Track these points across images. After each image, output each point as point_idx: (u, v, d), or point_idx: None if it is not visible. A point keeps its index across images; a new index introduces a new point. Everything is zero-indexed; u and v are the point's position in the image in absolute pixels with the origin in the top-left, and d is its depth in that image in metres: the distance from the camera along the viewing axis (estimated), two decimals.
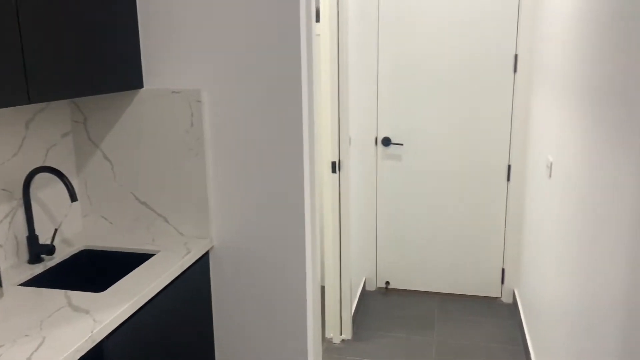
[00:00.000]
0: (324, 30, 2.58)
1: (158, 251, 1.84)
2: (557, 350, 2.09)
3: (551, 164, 2.31)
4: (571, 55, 2.04)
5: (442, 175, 3.35)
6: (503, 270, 3.41)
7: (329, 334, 2.97)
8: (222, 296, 2.01)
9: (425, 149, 3.34)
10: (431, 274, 3.52)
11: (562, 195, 2.09)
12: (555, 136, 2.28)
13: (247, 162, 1.89)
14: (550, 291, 2.26)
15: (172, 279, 1.69)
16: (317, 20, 3.08)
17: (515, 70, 3.12)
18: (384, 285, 3.63)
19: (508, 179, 3.27)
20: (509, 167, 3.25)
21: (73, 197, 1.66)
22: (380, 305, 3.40)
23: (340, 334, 2.97)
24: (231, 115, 1.86)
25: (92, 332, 1.29)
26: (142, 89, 1.90)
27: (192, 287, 1.86)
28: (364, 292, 3.57)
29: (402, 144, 3.36)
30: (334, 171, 2.73)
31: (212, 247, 1.99)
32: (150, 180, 1.96)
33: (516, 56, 3.10)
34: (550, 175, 2.32)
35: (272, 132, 1.84)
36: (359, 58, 3.15)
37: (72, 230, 2.01)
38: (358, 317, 3.25)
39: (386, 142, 3.38)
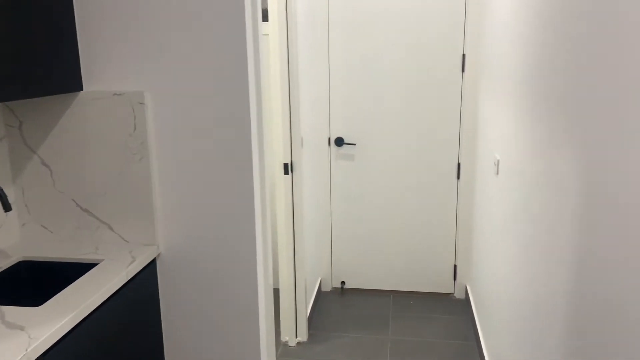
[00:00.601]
0: (272, 30, 2.56)
1: (101, 260, 1.78)
2: (507, 345, 2.15)
3: (498, 161, 2.37)
4: (514, 55, 2.09)
5: (395, 174, 3.39)
6: (455, 266, 3.48)
7: (285, 337, 2.96)
8: (171, 304, 1.96)
9: (378, 149, 3.37)
10: (386, 272, 3.56)
11: (508, 193, 2.15)
12: (501, 135, 2.34)
13: (194, 166, 1.84)
14: (499, 287, 2.32)
15: (116, 289, 1.63)
16: (265, 19, 3.06)
17: (463, 70, 3.19)
18: (339, 286, 3.64)
19: (458, 177, 3.34)
20: (459, 165, 3.32)
21: (7, 207, 1.58)
22: (336, 306, 3.41)
23: (296, 337, 2.96)
24: (176, 118, 1.82)
25: (26, 350, 1.23)
26: (81, 92, 1.83)
27: (139, 296, 1.80)
28: (319, 292, 3.57)
29: (354, 144, 3.37)
30: (286, 172, 2.71)
31: (159, 254, 1.94)
32: (92, 186, 1.89)
33: (464, 56, 3.17)
34: (497, 173, 2.39)
35: (219, 135, 1.81)
36: (310, 58, 3.15)
37: (9, 240, 1.91)
38: (314, 319, 3.24)
39: (339, 142, 3.39)
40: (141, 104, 1.80)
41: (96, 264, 1.77)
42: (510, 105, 2.16)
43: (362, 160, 3.41)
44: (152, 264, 1.91)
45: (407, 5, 3.17)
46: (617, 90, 1.09)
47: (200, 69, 1.77)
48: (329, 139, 3.42)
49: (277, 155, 2.72)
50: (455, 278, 3.50)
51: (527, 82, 1.86)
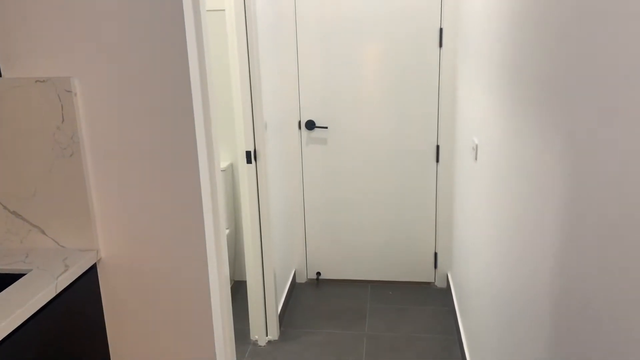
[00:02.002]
0: (228, 4, 2.35)
1: (30, 270, 1.59)
2: (487, 338, 2.02)
3: (477, 146, 2.21)
4: (494, 31, 1.92)
5: (370, 157, 3.23)
6: (435, 254, 3.35)
7: (254, 336, 2.81)
8: (117, 312, 1.79)
9: (352, 131, 3.20)
10: (363, 261, 3.42)
11: (487, 180, 2.00)
12: (480, 118, 2.18)
13: (134, 160, 1.66)
14: (479, 276, 2.19)
15: (44, 303, 1.45)
16: None
17: (440, 45, 3.01)
18: (315, 277, 3.50)
19: (437, 160, 3.19)
20: (438, 147, 3.17)
21: None
22: (311, 299, 3.27)
23: (266, 335, 2.82)
24: (110, 107, 1.62)
25: None
26: None
27: (76, 307, 1.63)
28: (294, 284, 3.43)
29: (326, 127, 3.20)
30: (249, 161, 2.53)
31: (99, 259, 1.76)
32: (20, 185, 1.69)
33: (441, 30, 2.99)
34: (475, 158, 2.23)
35: (160, 125, 1.62)
36: (274, 36, 2.94)
37: None
38: (286, 314, 3.10)
39: (310, 125, 3.21)
40: (68, 91, 1.60)
41: (23, 275, 1.59)
42: (489, 87, 2.00)
43: (335, 144, 3.24)
44: (92, 270, 1.73)
45: None
46: (613, 74, 0.92)
47: (134, 51, 1.57)
48: (300, 123, 3.23)
49: (239, 143, 2.53)
50: (436, 266, 3.37)
51: (510, 64, 1.70)
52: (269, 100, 2.76)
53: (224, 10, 2.94)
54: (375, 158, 3.22)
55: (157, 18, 1.54)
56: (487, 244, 2.00)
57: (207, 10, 3.01)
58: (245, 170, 2.55)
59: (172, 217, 1.70)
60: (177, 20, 1.53)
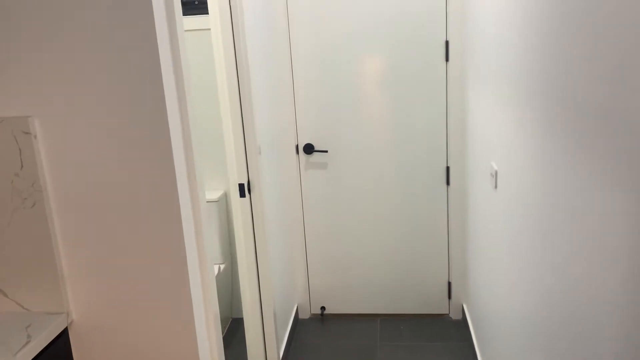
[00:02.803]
0: (214, 24, 2.15)
1: None
2: None
3: (496, 172, 1.99)
4: (513, 41, 1.71)
5: (375, 181, 3.01)
6: (449, 284, 3.12)
7: None
8: None
9: (354, 154, 2.99)
10: (371, 293, 3.19)
11: (510, 210, 1.78)
12: (498, 140, 1.97)
13: (105, 209, 1.44)
14: (501, 307, 1.96)
15: None
16: (201, 11, 2.65)
17: (447, 59, 2.81)
18: (319, 312, 3.26)
19: (447, 182, 2.97)
20: (448, 169, 2.95)
21: None
22: (316, 336, 3.03)
23: None
24: (77, 150, 1.41)
25: None
26: None
27: None
28: (296, 321, 3.20)
29: (326, 151, 2.98)
30: (242, 195, 2.31)
31: (70, 323, 1.53)
32: None
33: (447, 43, 2.79)
34: (495, 186, 2.01)
35: (135, 169, 1.41)
36: (266, 53, 2.74)
37: None
38: (289, 355, 2.87)
39: (308, 149, 2.99)
40: (27, 133, 1.39)
41: None
42: (507, 105, 1.79)
43: (336, 169, 3.02)
44: (63, 336, 1.51)
45: None
46: None
47: (103, 85, 1.36)
48: (297, 147, 3.02)
49: (231, 175, 2.31)
50: (450, 297, 3.14)
51: (530, 77, 1.49)
52: (263, 124, 2.55)
53: (209, 29, 2.75)
54: (381, 182, 3.01)
55: (127, 43, 1.33)
56: (510, 273, 1.78)
57: (191, 30, 2.81)
58: (238, 204, 2.34)
59: (152, 271, 1.48)
60: (150, 46, 1.32)
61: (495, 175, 2.00)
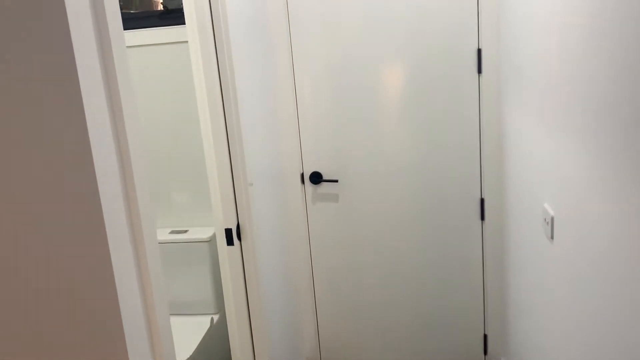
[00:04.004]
0: (192, 35, 1.75)
1: None
2: None
3: (552, 219, 1.55)
4: (569, 48, 1.28)
5: (395, 215, 2.58)
6: (485, 336, 2.66)
7: None
8: None
9: (369, 184, 2.56)
10: (392, 347, 2.74)
11: (574, 267, 1.33)
12: (554, 177, 1.52)
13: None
14: None
15: None
16: (177, 21, 2.26)
17: (479, 71, 2.37)
18: None
19: (482, 217, 2.52)
20: (482, 201, 2.50)
21: None
22: None
23: None
24: None
25: None
26: None
27: None
28: None
29: (336, 180, 2.56)
30: (230, 242, 1.90)
31: None
32: None
33: (479, 51, 2.35)
34: (551, 236, 1.57)
35: (55, 207, 1.01)
36: (262, 71, 2.34)
37: None
38: None
39: (316, 178, 2.58)
40: None
41: None
42: (565, 132, 1.35)
43: (348, 201, 2.60)
44: None
45: None
46: None
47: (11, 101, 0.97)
48: (302, 175, 2.61)
49: (216, 217, 1.91)
50: (486, 352, 2.67)
51: (596, 95, 1.05)
52: (258, 150, 2.14)
53: (186, 42, 2.37)
54: (401, 216, 2.57)
55: (39, 61, 0.94)
56: (569, 332, 1.33)
57: (170, 43, 2.43)
58: (225, 253, 1.93)
59: (81, 336, 1.07)
60: (66, 74, 0.93)
61: (551, 222, 1.55)
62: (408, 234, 2.59)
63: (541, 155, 1.66)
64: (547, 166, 1.60)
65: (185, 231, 2.68)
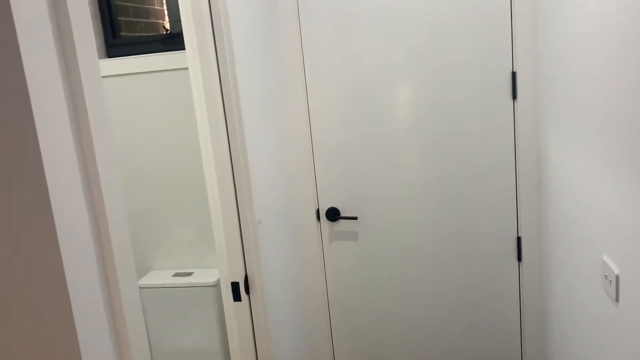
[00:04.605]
0: (192, 63, 1.55)
1: None
2: None
3: (617, 278, 1.30)
4: (631, 72, 1.05)
5: (420, 255, 2.34)
6: None
7: None
8: None
9: (392, 221, 2.33)
10: None
11: None
12: (615, 224, 1.28)
13: None
14: None
15: None
16: (177, 46, 2.08)
17: (514, 96, 2.15)
18: None
19: (519, 258, 2.27)
20: (519, 240, 2.26)
21: None
22: None
23: None
24: None
25: None
26: None
27: None
28: None
29: (356, 217, 2.33)
30: (237, 298, 1.68)
31: None
32: None
33: (514, 74, 2.13)
34: (616, 298, 1.32)
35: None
36: (271, 96, 2.14)
37: None
38: None
39: (333, 215, 2.35)
40: None
41: None
42: (628, 170, 1.12)
43: (369, 240, 2.37)
44: None
45: (421, 2, 2.15)
46: None
47: None
48: (318, 212, 2.38)
49: (220, 266, 1.69)
50: None
51: None
52: (266, 185, 1.93)
53: (186, 69, 2.18)
54: (428, 257, 2.33)
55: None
56: None
57: (162, 71, 2.25)
58: (232, 309, 1.70)
59: None
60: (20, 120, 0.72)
61: (615, 281, 1.31)
62: (435, 277, 2.35)
63: (599, 198, 1.42)
64: (607, 211, 1.36)
65: (190, 274, 2.46)
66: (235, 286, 1.67)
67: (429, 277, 2.35)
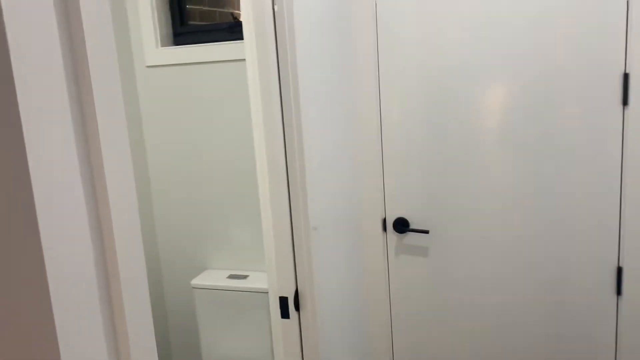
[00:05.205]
0: (250, 53, 1.40)
1: None
2: None
3: None
4: None
5: (499, 281, 2.07)
6: None
7: None
8: None
9: (469, 239, 2.08)
10: None
11: None
12: None
13: None
14: None
15: None
16: (235, 35, 1.94)
17: (625, 102, 1.83)
18: None
19: (618, 292, 1.95)
20: (620, 270, 1.93)
21: None
22: None
23: None
24: None
25: None
26: None
27: None
28: None
29: (427, 231, 2.10)
30: (285, 315, 1.51)
31: None
32: None
33: (626, 76, 1.82)
34: None
35: None
36: (335, 89, 1.95)
37: None
38: None
39: (400, 226, 2.14)
40: None
41: None
42: None
43: (441, 258, 2.13)
44: None
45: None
46: None
47: None
48: (384, 221, 2.18)
49: (269, 278, 1.53)
50: None
51: None
52: (324, 189, 1.75)
53: (243, 60, 2.04)
54: (509, 281, 2.06)
55: None
56: None
57: (229, 61, 2.12)
58: (279, 326, 1.54)
59: None
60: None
61: None
62: (517, 307, 2.07)
63: None
64: None
65: (246, 276, 2.34)
66: (283, 302, 1.50)
67: (511, 308, 2.08)
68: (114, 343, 0.75)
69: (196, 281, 2.33)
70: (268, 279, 1.54)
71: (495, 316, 2.11)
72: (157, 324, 2.55)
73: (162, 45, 2.32)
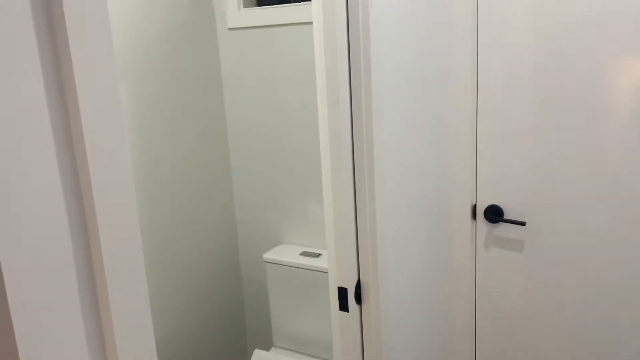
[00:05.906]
0: (316, 16, 1.23)
1: None
2: None
3: None
4: None
5: (609, 294, 1.76)
6: None
7: None
8: None
9: (574, 239, 1.78)
10: None
11: None
12: None
13: None
14: None
15: None
16: None
17: None
18: None
19: None
20: None
21: None
22: None
23: None
24: None
25: None
26: None
27: None
28: None
29: (524, 223, 1.83)
30: (344, 307, 1.36)
31: None
32: None
33: None
34: None
35: None
36: (422, 59, 1.72)
37: None
38: None
39: (493, 215, 1.89)
40: None
41: None
42: None
43: (539, 253, 1.85)
44: None
45: None
46: None
47: None
48: (474, 208, 1.93)
49: (330, 267, 1.38)
50: None
51: None
52: (397, 170, 1.55)
53: (310, 23, 1.85)
54: (626, 298, 1.75)
55: None
56: None
57: (300, 23, 1.94)
58: (337, 319, 1.39)
59: None
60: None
61: None
62: (624, 323, 1.76)
63: None
64: None
65: (318, 255, 2.22)
66: (342, 293, 1.35)
67: (621, 326, 1.76)
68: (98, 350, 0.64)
69: (268, 255, 2.25)
70: (328, 265, 1.39)
71: (599, 333, 1.80)
72: (233, 293, 2.53)
73: (245, 7, 2.21)
